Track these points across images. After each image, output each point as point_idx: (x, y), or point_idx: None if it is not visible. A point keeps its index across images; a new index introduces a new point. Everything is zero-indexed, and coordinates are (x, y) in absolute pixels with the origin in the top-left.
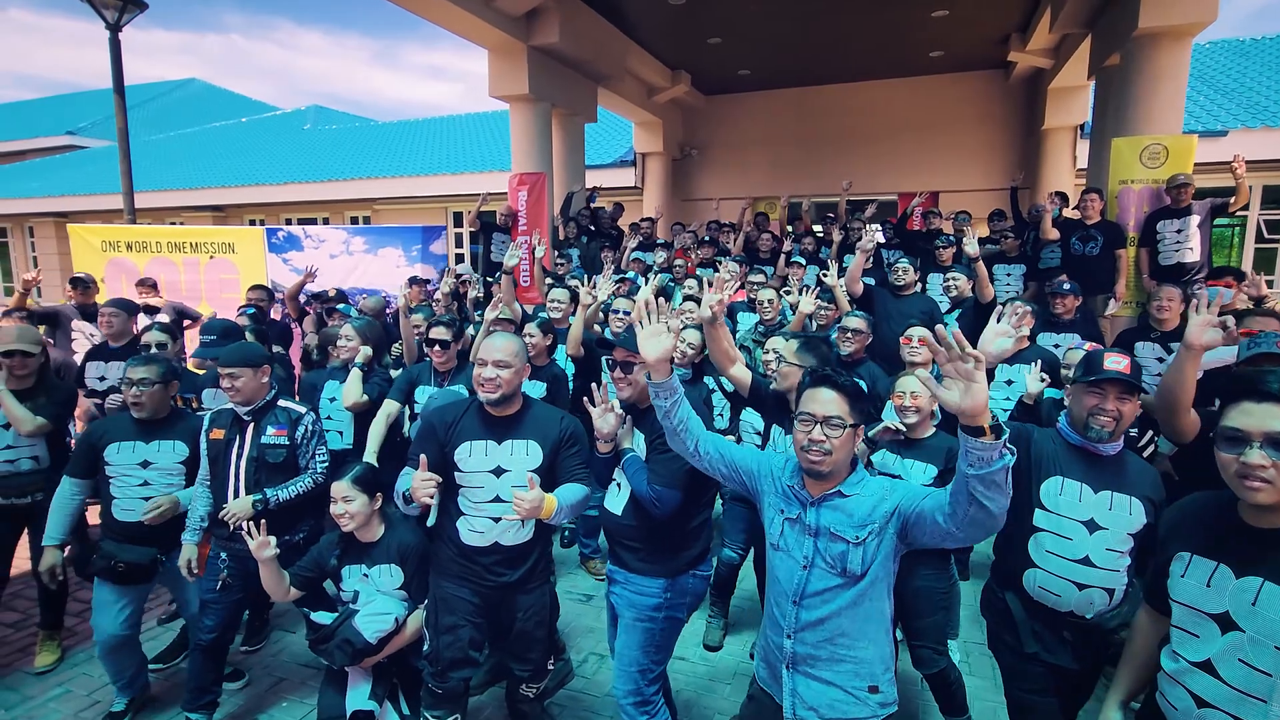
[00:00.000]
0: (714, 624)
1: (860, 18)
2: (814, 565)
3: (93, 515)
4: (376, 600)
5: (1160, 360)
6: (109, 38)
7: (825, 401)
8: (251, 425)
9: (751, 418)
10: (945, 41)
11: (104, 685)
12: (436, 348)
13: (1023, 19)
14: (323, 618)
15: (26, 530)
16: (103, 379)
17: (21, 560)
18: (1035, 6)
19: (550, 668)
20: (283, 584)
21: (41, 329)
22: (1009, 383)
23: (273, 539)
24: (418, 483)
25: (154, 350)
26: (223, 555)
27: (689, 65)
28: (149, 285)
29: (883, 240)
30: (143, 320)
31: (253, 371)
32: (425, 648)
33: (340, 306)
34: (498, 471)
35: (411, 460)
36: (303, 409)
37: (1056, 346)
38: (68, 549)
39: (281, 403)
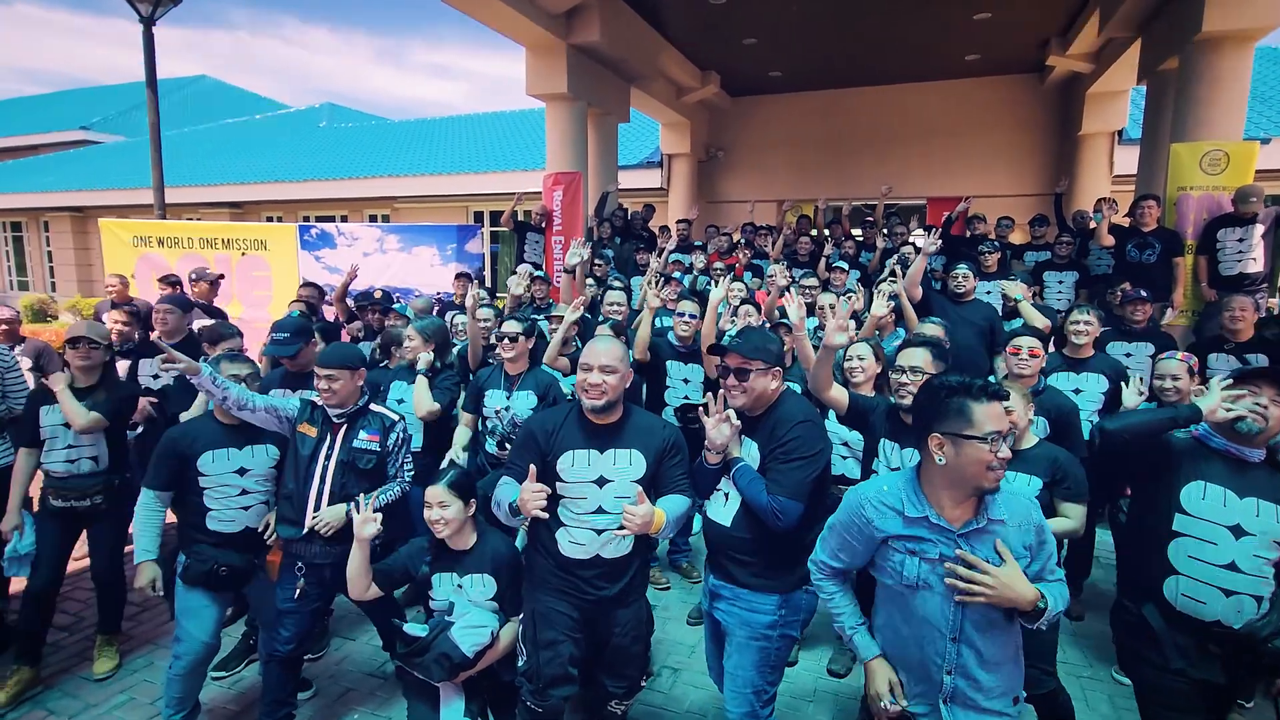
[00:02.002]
0: (842, 647)
1: (902, 20)
2: (963, 603)
3: None
4: (471, 612)
5: None
6: (142, 31)
7: (1003, 416)
8: (343, 428)
9: (836, 428)
10: (983, 45)
11: None
12: (506, 341)
13: (1065, 22)
14: (415, 629)
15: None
16: (156, 377)
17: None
18: (1080, 10)
19: (643, 685)
20: (367, 577)
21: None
22: (1076, 391)
23: (379, 515)
24: (528, 494)
25: (235, 351)
26: (299, 563)
27: (719, 66)
28: (171, 283)
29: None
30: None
31: (350, 374)
32: (521, 663)
33: (397, 306)
34: (600, 482)
35: (510, 469)
36: (395, 415)
37: (1129, 356)
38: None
39: (373, 407)
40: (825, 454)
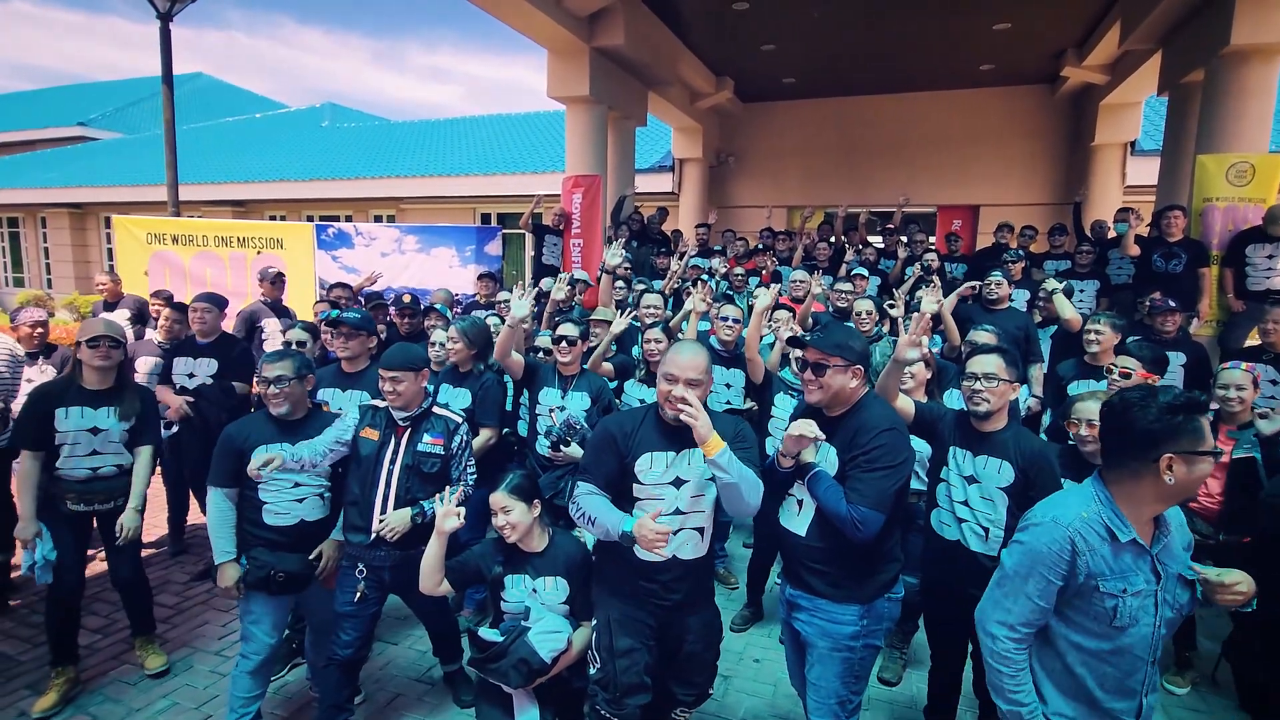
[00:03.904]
0: (892, 654)
1: (922, 27)
2: (1163, 623)
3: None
4: (547, 618)
5: (1275, 383)
6: (160, 27)
7: None
8: (408, 431)
9: None
10: (999, 55)
11: (212, 698)
12: (564, 344)
13: (1084, 34)
14: (489, 634)
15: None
16: (191, 375)
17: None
18: (1099, 21)
19: (710, 692)
20: (441, 572)
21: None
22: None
23: (461, 510)
24: (650, 534)
25: (294, 348)
26: (360, 566)
27: (735, 71)
28: (165, 299)
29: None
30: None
31: (414, 375)
32: (593, 671)
33: (438, 306)
34: (677, 483)
35: (587, 474)
36: (458, 417)
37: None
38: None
39: (436, 410)
40: (909, 463)
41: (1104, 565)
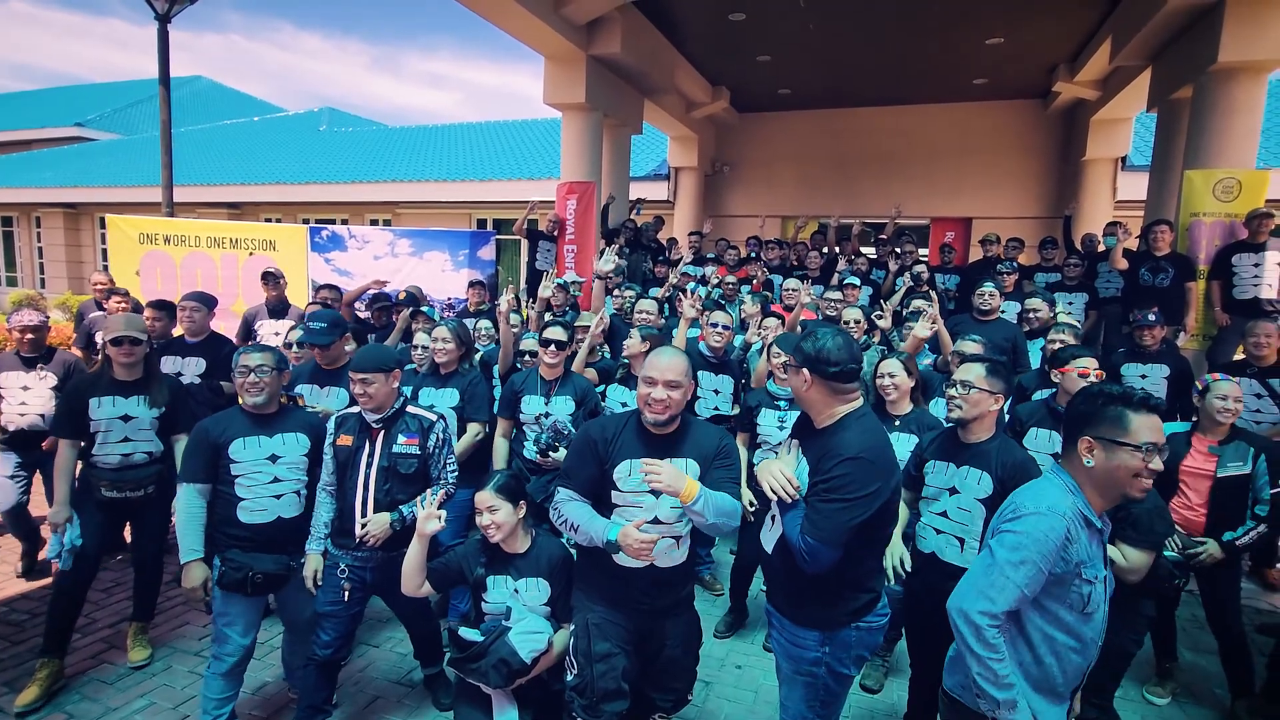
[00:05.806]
0: (875, 662)
1: (918, 41)
2: (1107, 604)
3: None
4: (528, 618)
5: (1259, 397)
6: (158, 28)
7: (1160, 429)
8: (382, 433)
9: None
10: (992, 70)
11: (189, 699)
12: (552, 348)
13: (1075, 49)
14: (470, 634)
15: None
16: (179, 375)
17: None
18: (1090, 37)
19: (689, 698)
20: (422, 574)
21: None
22: None
23: (443, 513)
24: (635, 543)
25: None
26: (342, 566)
27: (731, 82)
28: (122, 293)
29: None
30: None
31: (385, 376)
32: (570, 677)
33: (425, 309)
34: (656, 491)
35: (568, 479)
36: (434, 416)
37: (1144, 378)
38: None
39: (410, 409)
40: (878, 496)
41: (1084, 552)
